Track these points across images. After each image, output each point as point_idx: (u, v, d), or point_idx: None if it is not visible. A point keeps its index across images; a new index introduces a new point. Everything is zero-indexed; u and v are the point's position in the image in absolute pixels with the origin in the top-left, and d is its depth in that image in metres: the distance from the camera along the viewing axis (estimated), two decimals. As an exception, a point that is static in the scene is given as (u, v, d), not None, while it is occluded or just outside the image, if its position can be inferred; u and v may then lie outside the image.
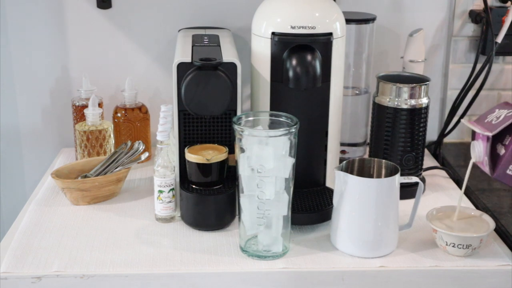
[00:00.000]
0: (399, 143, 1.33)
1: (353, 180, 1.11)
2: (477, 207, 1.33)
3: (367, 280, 1.11)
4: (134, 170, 1.49)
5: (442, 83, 1.68)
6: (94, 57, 1.61)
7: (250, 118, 1.15)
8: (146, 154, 1.40)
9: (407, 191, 1.29)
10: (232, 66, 1.20)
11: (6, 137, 1.66)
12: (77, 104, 1.53)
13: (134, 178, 1.46)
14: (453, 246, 1.13)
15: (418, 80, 1.35)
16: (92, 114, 1.44)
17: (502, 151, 1.11)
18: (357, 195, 1.11)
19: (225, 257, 1.14)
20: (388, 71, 1.45)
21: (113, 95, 1.62)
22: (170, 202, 1.25)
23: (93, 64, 1.61)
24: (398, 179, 1.13)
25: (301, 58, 1.19)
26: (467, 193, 1.40)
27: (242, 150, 1.10)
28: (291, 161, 1.10)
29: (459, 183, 1.45)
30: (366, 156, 1.56)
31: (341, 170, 1.14)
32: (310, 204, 1.24)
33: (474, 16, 1.60)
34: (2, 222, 1.72)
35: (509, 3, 1.59)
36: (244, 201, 1.12)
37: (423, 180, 1.40)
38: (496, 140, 1.14)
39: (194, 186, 1.23)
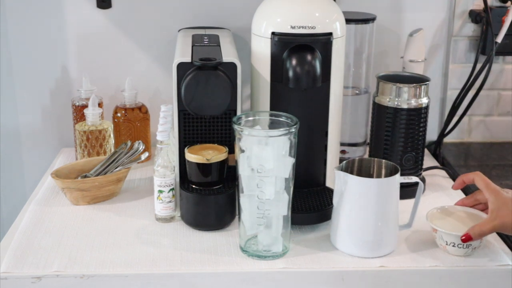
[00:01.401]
0: (399, 143, 1.33)
1: (353, 180, 1.11)
2: (477, 207, 1.33)
3: (367, 280, 1.11)
4: (134, 170, 1.49)
5: (442, 83, 1.68)
6: (94, 57, 1.61)
7: (250, 118, 1.15)
8: (146, 154, 1.40)
9: (407, 191, 1.29)
10: (232, 66, 1.20)
11: (6, 137, 1.66)
12: (77, 104, 1.53)
13: (134, 178, 1.46)
14: (453, 246, 1.13)
15: (418, 80, 1.35)
16: (92, 114, 1.44)
17: None
18: (357, 195, 1.11)
19: (225, 257, 1.14)
20: (388, 71, 1.45)
21: (113, 95, 1.62)
22: (170, 202, 1.25)
23: (93, 64, 1.61)
24: (398, 179, 1.13)
25: (301, 58, 1.19)
26: (467, 193, 1.39)
27: (242, 150, 1.10)
28: (291, 161, 1.10)
29: (459, 183, 1.45)
30: (366, 156, 1.56)
31: (341, 170, 1.14)
32: (310, 204, 1.24)
33: (474, 16, 1.60)
34: (2, 222, 1.72)
35: (509, 3, 1.59)
36: (244, 201, 1.12)
37: (423, 180, 1.40)
38: None
39: (194, 186, 1.23)
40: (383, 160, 1.19)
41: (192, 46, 1.29)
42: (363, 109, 1.55)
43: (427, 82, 1.34)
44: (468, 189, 1.40)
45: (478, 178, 1.15)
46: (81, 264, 1.11)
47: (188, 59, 1.20)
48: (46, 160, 1.64)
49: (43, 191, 1.40)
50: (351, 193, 1.12)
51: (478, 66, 1.56)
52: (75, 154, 1.55)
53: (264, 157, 1.08)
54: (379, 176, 1.19)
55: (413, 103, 1.32)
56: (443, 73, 1.67)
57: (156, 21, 1.59)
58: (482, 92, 1.57)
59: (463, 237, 1.09)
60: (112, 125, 1.49)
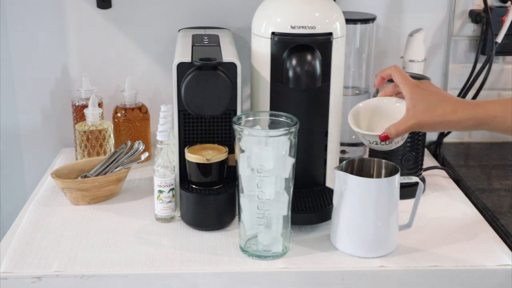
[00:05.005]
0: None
1: (353, 180, 1.11)
2: (477, 207, 1.33)
3: (367, 280, 1.11)
4: (134, 170, 1.49)
5: (442, 83, 1.68)
6: (94, 57, 1.61)
7: (250, 118, 1.15)
8: (146, 154, 1.40)
9: (407, 191, 1.29)
10: (232, 66, 1.20)
11: (6, 137, 1.66)
12: (77, 104, 1.53)
13: (134, 178, 1.46)
14: (376, 144, 1.12)
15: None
16: (92, 114, 1.44)
17: None
18: (357, 195, 1.11)
19: (225, 257, 1.14)
20: (388, 71, 1.45)
21: (113, 95, 1.62)
22: (170, 202, 1.25)
23: (93, 64, 1.61)
24: (398, 179, 1.13)
25: (301, 58, 1.19)
26: (467, 193, 1.40)
27: (242, 150, 1.10)
28: (291, 161, 1.10)
29: (459, 183, 1.45)
30: (366, 156, 1.56)
31: (341, 170, 1.14)
32: (310, 204, 1.24)
33: (474, 16, 1.60)
34: (2, 222, 1.72)
35: (509, 3, 1.59)
36: (244, 201, 1.12)
37: (423, 180, 1.40)
38: None
39: (194, 186, 1.23)
40: (383, 160, 1.19)
41: (192, 46, 1.29)
42: (363, 109, 1.55)
43: (427, 82, 1.33)
44: (469, 189, 1.40)
45: (395, 72, 1.11)
46: (81, 264, 1.11)
47: (188, 59, 1.20)
48: (46, 160, 1.64)
49: (43, 191, 1.40)
50: (351, 193, 1.12)
51: (478, 66, 1.56)
52: (75, 154, 1.55)
53: (264, 157, 1.08)
54: (379, 176, 1.19)
55: (413, 103, 1.31)
56: (443, 73, 1.68)
57: (156, 21, 1.59)
58: (482, 92, 1.56)
59: (381, 136, 1.08)
60: (112, 125, 1.49)
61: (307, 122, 1.23)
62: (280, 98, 1.25)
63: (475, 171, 1.51)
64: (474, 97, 1.56)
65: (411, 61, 1.50)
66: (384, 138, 1.09)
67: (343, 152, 1.53)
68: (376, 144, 1.12)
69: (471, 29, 1.62)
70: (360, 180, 1.11)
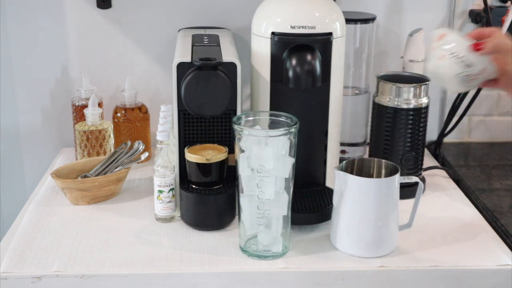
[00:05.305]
0: (399, 143, 1.33)
1: (353, 180, 1.11)
2: (477, 207, 1.33)
3: (367, 280, 1.11)
4: (134, 170, 1.49)
5: (442, 83, 1.68)
6: (94, 57, 1.61)
7: (250, 118, 1.15)
8: (146, 154, 1.40)
9: (407, 191, 1.29)
10: (232, 66, 1.20)
11: (6, 137, 1.66)
12: (77, 104, 1.53)
13: (134, 178, 1.46)
14: (452, 56, 0.97)
15: (418, 80, 1.35)
16: (92, 114, 1.44)
17: None
18: (357, 195, 1.11)
19: (225, 257, 1.14)
20: (388, 71, 1.45)
21: (113, 95, 1.62)
22: (170, 202, 1.25)
23: (93, 64, 1.61)
24: (398, 179, 1.13)
25: (301, 58, 1.19)
26: (467, 193, 1.40)
27: (242, 150, 1.10)
28: (291, 161, 1.10)
29: (459, 183, 1.45)
30: (366, 156, 1.56)
31: (341, 170, 1.14)
32: (310, 204, 1.24)
33: (474, 16, 1.60)
34: (2, 222, 1.72)
35: (509, 3, 1.59)
36: (244, 201, 1.12)
37: (423, 180, 1.40)
38: None
39: (194, 186, 1.23)
40: (383, 160, 1.19)
41: (192, 46, 1.29)
42: (363, 109, 1.55)
43: (427, 82, 1.34)
44: (469, 189, 1.40)
45: (496, 32, 0.98)
46: (81, 264, 1.11)
47: (188, 59, 1.20)
48: (46, 160, 1.64)
49: (43, 191, 1.40)
50: (351, 193, 1.12)
51: (478, 66, 1.56)
52: (75, 154, 1.55)
53: (264, 157, 1.08)
54: (379, 176, 1.19)
55: (413, 103, 1.32)
56: (443, 73, 1.67)
57: (156, 21, 1.59)
58: (482, 92, 1.56)
59: (475, 44, 0.94)
60: (112, 125, 1.49)
61: (307, 122, 1.23)
62: (280, 98, 1.25)
63: (475, 171, 1.51)
64: (474, 97, 1.56)
65: (411, 61, 1.50)
66: (478, 48, 0.95)
67: (343, 152, 1.53)
68: (453, 56, 0.96)
69: (471, 29, 1.62)
70: (360, 180, 1.11)
